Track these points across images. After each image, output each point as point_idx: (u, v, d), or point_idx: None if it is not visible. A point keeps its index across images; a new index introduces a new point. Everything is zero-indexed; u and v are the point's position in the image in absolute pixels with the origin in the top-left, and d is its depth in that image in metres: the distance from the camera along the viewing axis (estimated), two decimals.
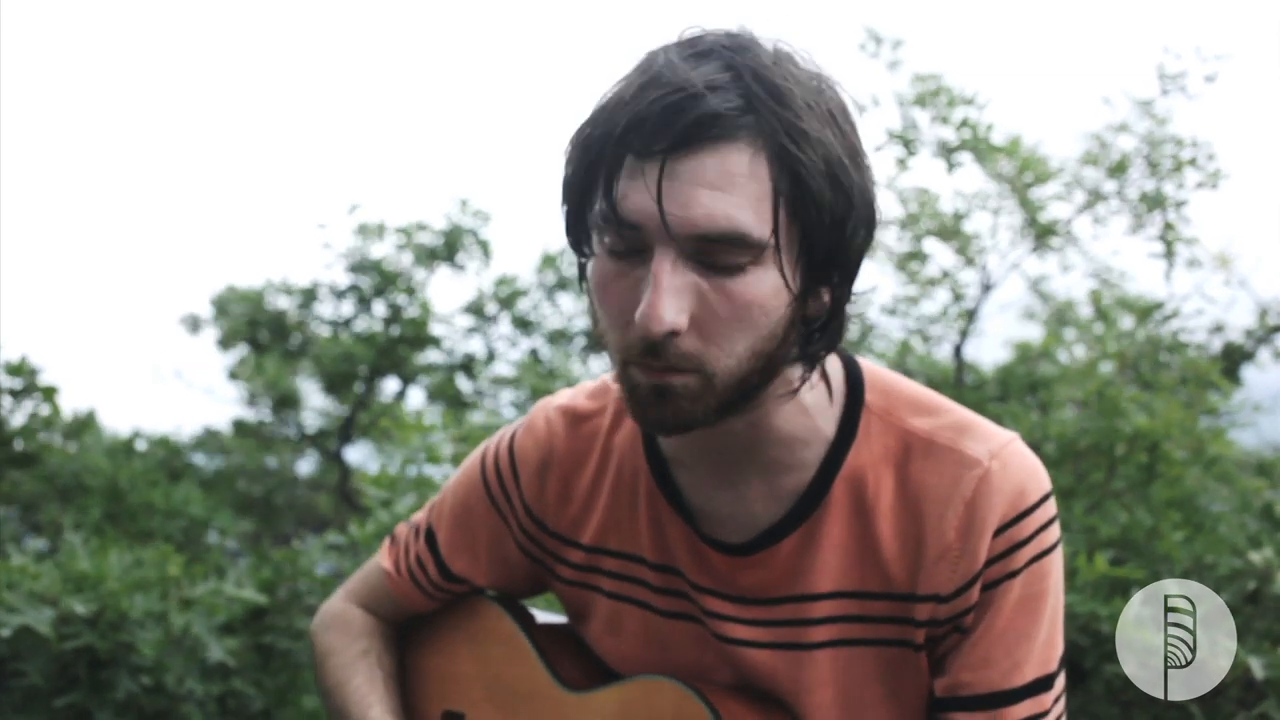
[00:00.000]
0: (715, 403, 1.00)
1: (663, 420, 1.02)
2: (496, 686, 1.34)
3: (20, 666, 2.22)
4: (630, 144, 0.95)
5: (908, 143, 3.47)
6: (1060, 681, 1.12)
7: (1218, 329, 4.33)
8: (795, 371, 1.07)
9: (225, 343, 6.17)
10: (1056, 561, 1.11)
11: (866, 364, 1.18)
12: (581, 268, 1.07)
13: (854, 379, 1.15)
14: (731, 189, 0.94)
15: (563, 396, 1.30)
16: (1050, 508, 1.10)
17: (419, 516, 1.41)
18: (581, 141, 1.00)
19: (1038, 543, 1.08)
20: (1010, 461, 1.09)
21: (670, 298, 0.95)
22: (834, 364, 1.15)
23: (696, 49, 0.97)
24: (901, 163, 3.51)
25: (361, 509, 4.44)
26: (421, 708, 1.41)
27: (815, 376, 1.10)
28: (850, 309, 1.07)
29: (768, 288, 0.97)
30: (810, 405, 1.12)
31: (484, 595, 1.38)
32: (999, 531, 1.07)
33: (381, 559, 1.42)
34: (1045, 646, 1.10)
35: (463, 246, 6.06)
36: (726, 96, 0.94)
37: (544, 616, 1.38)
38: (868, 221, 1.01)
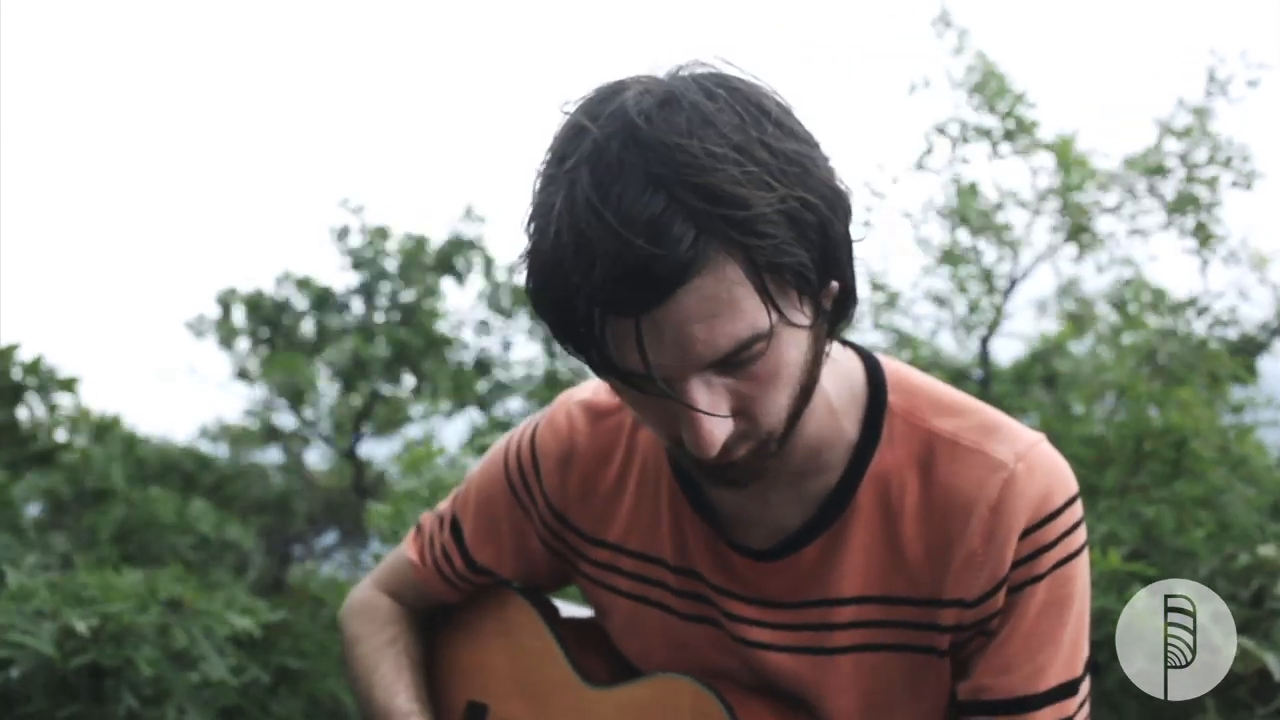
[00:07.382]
0: (776, 448, 1.00)
1: (734, 484, 1.02)
2: (521, 679, 1.34)
3: (25, 688, 2.20)
4: (601, 307, 0.88)
5: (947, 132, 3.46)
6: (1085, 686, 1.11)
7: (1232, 321, 4.30)
8: None
9: (226, 340, 6.17)
10: (1083, 565, 1.09)
11: (888, 363, 1.15)
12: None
13: (875, 379, 1.12)
14: (719, 309, 0.89)
15: (584, 390, 1.28)
16: (1076, 511, 1.08)
17: (443, 506, 1.39)
18: (540, 296, 0.92)
19: (1063, 546, 1.06)
20: (1036, 464, 1.06)
21: (713, 423, 0.93)
22: (854, 364, 1.12)
23: (604, 160, 0.87)
24: (955, 144, 3.49)
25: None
26: (447, 697, 1.41)
27: (834, 351, 1.07)
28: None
29: (789, 348, 0.95)
30: (836, 406, 1.09)
31: (510, 588, 1.37)
32: (1024, 535, 1.05)
33: (407, 549, 1.41)
34: (1070, 651, 1.09)
35: (464, 258, 6.09)
36: (671, 234, 0.85)
37: (570, 610, 1.37)
38: (844, 217, 0.95)
